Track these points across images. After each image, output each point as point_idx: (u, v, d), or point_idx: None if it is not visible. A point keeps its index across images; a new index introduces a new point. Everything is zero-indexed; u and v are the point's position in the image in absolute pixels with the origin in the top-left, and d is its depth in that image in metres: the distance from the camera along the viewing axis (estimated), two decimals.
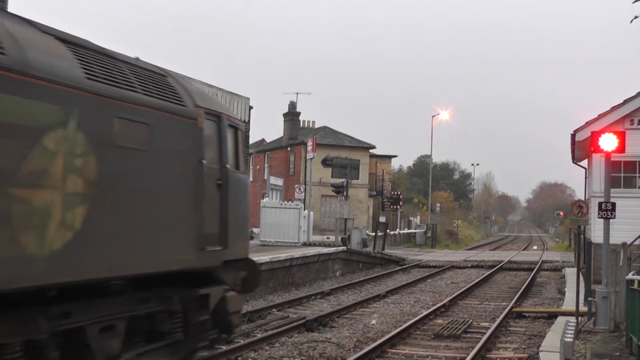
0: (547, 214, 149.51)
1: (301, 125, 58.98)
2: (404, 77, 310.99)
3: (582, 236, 26.59)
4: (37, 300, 6.83)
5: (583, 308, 15.89)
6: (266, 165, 58.30)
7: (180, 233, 8.69)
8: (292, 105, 58.28)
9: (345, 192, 36.46)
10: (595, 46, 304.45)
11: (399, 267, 34.10)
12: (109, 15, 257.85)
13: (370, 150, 57.10)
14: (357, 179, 40.93)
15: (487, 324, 16.65)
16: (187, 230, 8.86)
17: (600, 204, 15.44)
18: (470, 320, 17.04)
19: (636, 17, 14.99)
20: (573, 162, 29.06)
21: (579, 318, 15.09)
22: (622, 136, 14.95)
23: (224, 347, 11.74)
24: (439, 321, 17.06)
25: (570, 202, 53.38)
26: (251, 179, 43.69)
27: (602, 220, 15.62)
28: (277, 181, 45.42)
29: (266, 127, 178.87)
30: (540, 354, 12.19)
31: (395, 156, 68.22)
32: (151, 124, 8.10)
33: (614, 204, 15.29)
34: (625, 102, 23.32)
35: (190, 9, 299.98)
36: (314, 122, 61.59)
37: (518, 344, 14.40)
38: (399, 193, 59.84)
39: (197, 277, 9.56)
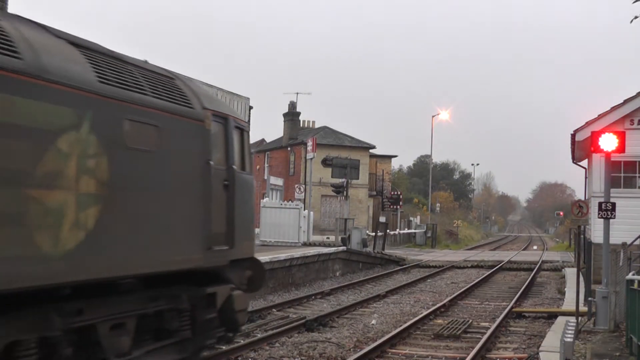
0: (547, 214, 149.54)
1: (301, 125, 59.04)
2: (404, 77, 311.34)
3: (582, 236, 26.60)
4: (51, 298, 7.00)
5: (583, 308, 15.87)
6: (266, 165, 58.38)
7: (188, 233, 8.86)
8: (292, 105, 58.36)
9: (345, 192, 36.47)
10: (595, 46, 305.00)
11: (399, 267, 34.10)
12: (108, 15, 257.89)
13: (370, 150, 57.17)
14: (357, 179, 40.97)
15: (487, 324, 16.65)
16: (195, 230, 9.02)
17: (600, 204, 15.43)
18: (470, 320, 17.04)
19: (636, 17, 15.04)
20: (573, 162, 29.04)
21: (579, 318, 15.07)
22: (622, 136, 14.94)
23: (224, 347, 11.77)
24: (439, 321, 17.07)
25: (570, 202, 53.47)
26: None
27: (602, 220, 15.61)
28: (277, 181, 45.51)
29: (266, 127, 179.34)
30: (540, 354, 12.18)
31: (395, 156, 68.32)
32: (160, 126, 8.27)
33: (614, 204, 15.28)
34: (625, 102, 23.33)
35: (190, 9, 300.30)
36: (314, 122, 61.69)
37: (518, 344, 14.40)
38: (399, 193, 59.92)
39: (204, 276, 9.72)
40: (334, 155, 40.09)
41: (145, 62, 9.33)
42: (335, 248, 30.64)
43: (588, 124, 23.54)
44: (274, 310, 17.97)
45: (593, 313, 15.35)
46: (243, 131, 10.78)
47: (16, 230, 6.17)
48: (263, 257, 21.07)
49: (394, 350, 13.37)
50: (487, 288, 25.91)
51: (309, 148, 37.68)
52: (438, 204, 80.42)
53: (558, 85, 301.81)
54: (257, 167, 58.27)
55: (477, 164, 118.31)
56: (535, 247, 66.30)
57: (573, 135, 24.19)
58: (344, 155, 44.44)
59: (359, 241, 33.68)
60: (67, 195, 6.73)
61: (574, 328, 11.36)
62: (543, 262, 37.36)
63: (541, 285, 27.08)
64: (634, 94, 23.41)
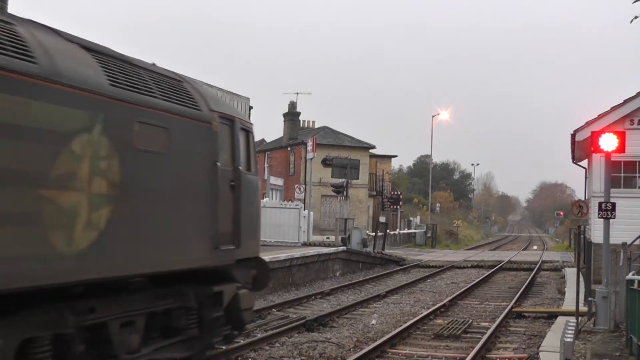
0: (547, 214, 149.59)
1: (301, 125, 59.12)
2: (404, 77, 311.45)
3: (582, 236, 26.58)
4: (65, 296, 7.16)
5: (583, 308, 15.86)
6: (266, 165, 58.42)
7: (196, 232, 9.03)
8: (292, 105, 58.45)
9: (345, 192, 36.47)
10: (595, 46, 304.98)
11: (399, 267, 34.10)
12: (108, 15, 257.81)
13: (370, 150, 57.24)
14: (357, 179, 40.99)
15: (487, 324, 16.65)
16: (203, 230, 9.20)
17: (600, 204, 15.41)
18: (470, 320, 17.03)
19: (636, 17, 15.08)
20: (573, 162, 29.02)
21: (579, 318, 15.06)
22: (622, 136, 14.93)
23: (223, 347, 11.78)
24: (439, 321, 17.06)
25: (570, 202, 53.52)
26: None
27: (602, 220, 15.58)
28: (277, 181, 45.64)
29: (266, 127, 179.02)
30: (540, 354, 12.18)
31: (395, 156, 68.40)
32: (169, 128, 8.44)
33: (614, 204, 15.26)
34: (625, 102, 23.32)
35: (190, 9, 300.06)
36: (314, 122, 61.78)
37: (518, 344, 14.40)
38: (399, 193, 59.97)
39: (210, 275, 9.88)
40: (334, 155, 40.12)
41: (154, 64, 9.48)
42: (335, 248, 30.62)
43: (588, 124, 23.52)
44: (274, 310, 17.94)
45: (593, 313, 15.33)
46: (248, 132, 10.96)
47: (33, 229, 6.35)
48: (263, 257, 21.16)
49: (394, 350, 13.38)
50: (487, 288, 25.92)
51: (309, 148, 37.70)
52: (438, 204, 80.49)
53: (558, 85, 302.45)
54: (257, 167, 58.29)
55: (477, 164, 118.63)
56: (535, 247, 66.34)
57: (573, 135, 24.17)
58: (344, 155, 44.48)
59: (359, 241, 33.68)
60: (80, 195, 6.91)
61: (574, 328, 11.38)
62: (543, 262, 37.37)
63: (541, 285, 27.08)
64: (634, 94, 23.41)
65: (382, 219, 50.12)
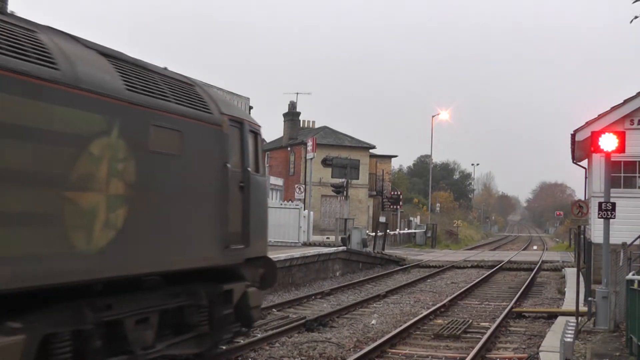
0: (547, 214, 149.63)
1: (301, 125, 59.27)
2: (404, 77, 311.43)
3: (582, 236, 26.62)
4: (84, 293, 7.42)
5: (583, 308, 15.87)
6: (266, 165, 58.53)
7: (207, 232, 9.30)
8: (292, 105, 58.60)
9: (345, 192, 36.50)
10: (595, 46, 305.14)
11: (399, 267, 34.11)
12: (109, 15, 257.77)
13: (370, 150, 57.36)
14: (357, 179, 41.06)
15: (487, 324, 16.66)
16: (214, 230, 9.46)
17: (600, 204, 15.43)
18: (470, 320, 17.05)
19: (636, 17, 15.20)
20: (573, 162, 29.03)
21: (579, 318, 15.07)
22: (622, 136, 14.95)
23: (223, 347, 11.81)
24: (439, 321, 17.08)
25: (570, 202, 53.64)
26: None
27: (602, 220, 15.61)
28: (277, 181, 45.76)
29: (266, 127, 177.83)
30: (540, 354, 12.21)
31: (395, 156, 68.57)
32: (182, 131, 8.70)
33: (614, 204, 15.29)
34: (625, 102, 23.36)
35: (190, 9, 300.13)
36: (314, 122, 61.93)
37: (518, 344, 14.43)
38: (399, 193, 60.07)
39: (220, 273, 10.14)
40: (334, 155, 40.19)
41: (165, 69, 9.72)
42: (335, 248, 30.65)
43: (588, 124, 23.56)
44: (274, 310, 17.93)
45: (593, 313, 15.35)
46: (257, 134, 11.22)
47: (55, 229, 6.60)
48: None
49: (394, 350, 13.37)
50: (487, 288, 25.96)
51: (309, 148, 37.75)
52: (438, 204, 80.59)
53: (558, 85, 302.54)
54: None
55: (477, 164, 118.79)
56: (535, 247, 66.39)
57: (573, 135, 24.22)
58: (344, 155, 44.57)
59: (359, 241, 33.75)
60: (99, 196, 7.17)
61: (574, 328, 11.46)
62: (543, 262, 37.41)
63: (541, 285, 27.11)
64: (634, 94, 23.46)
65: (382, 219, 50.20)
